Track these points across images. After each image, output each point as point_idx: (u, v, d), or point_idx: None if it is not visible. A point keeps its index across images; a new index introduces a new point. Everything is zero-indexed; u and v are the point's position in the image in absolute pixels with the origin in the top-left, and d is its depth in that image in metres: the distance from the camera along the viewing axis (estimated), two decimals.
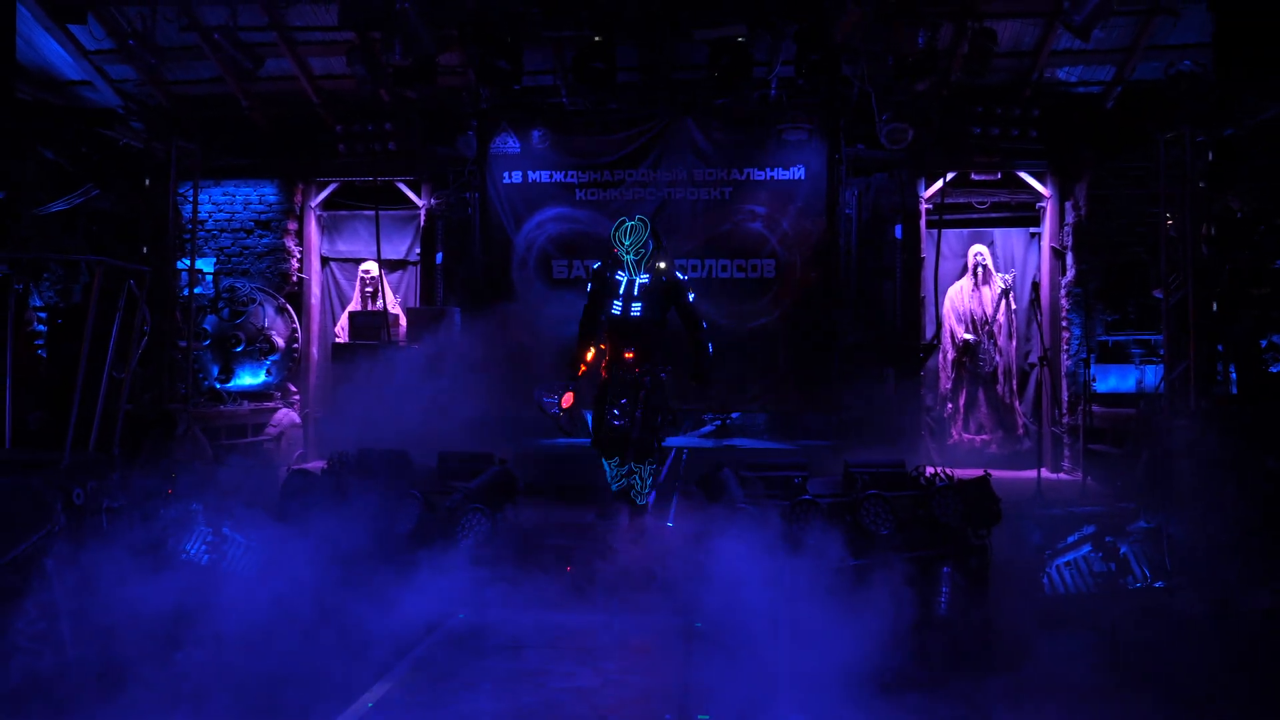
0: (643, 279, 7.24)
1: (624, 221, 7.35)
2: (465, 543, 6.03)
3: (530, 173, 11.04)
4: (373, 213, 11.20)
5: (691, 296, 7.35)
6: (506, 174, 11.07)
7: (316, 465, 9.30)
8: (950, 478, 6.73)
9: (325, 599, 5.48)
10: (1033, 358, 10.23)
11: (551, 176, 11.02)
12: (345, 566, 5.75)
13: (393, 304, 11.58)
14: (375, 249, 11.26)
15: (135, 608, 5.40)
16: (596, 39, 9.70)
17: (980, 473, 6.67)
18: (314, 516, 6.42)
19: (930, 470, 7.04)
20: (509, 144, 11.03)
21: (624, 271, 7.27)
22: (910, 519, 6.46)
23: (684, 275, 7.49)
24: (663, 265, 7.28)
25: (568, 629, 5.00)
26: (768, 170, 10.74)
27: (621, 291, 7.23)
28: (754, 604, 5.20)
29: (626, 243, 7.25)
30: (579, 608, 5.49)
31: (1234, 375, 7.78)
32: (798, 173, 10.72)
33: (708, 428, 10.16)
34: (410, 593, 5.35)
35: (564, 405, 7.25)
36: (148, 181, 9.15)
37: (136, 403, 8.52)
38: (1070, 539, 6.86)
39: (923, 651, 5.16)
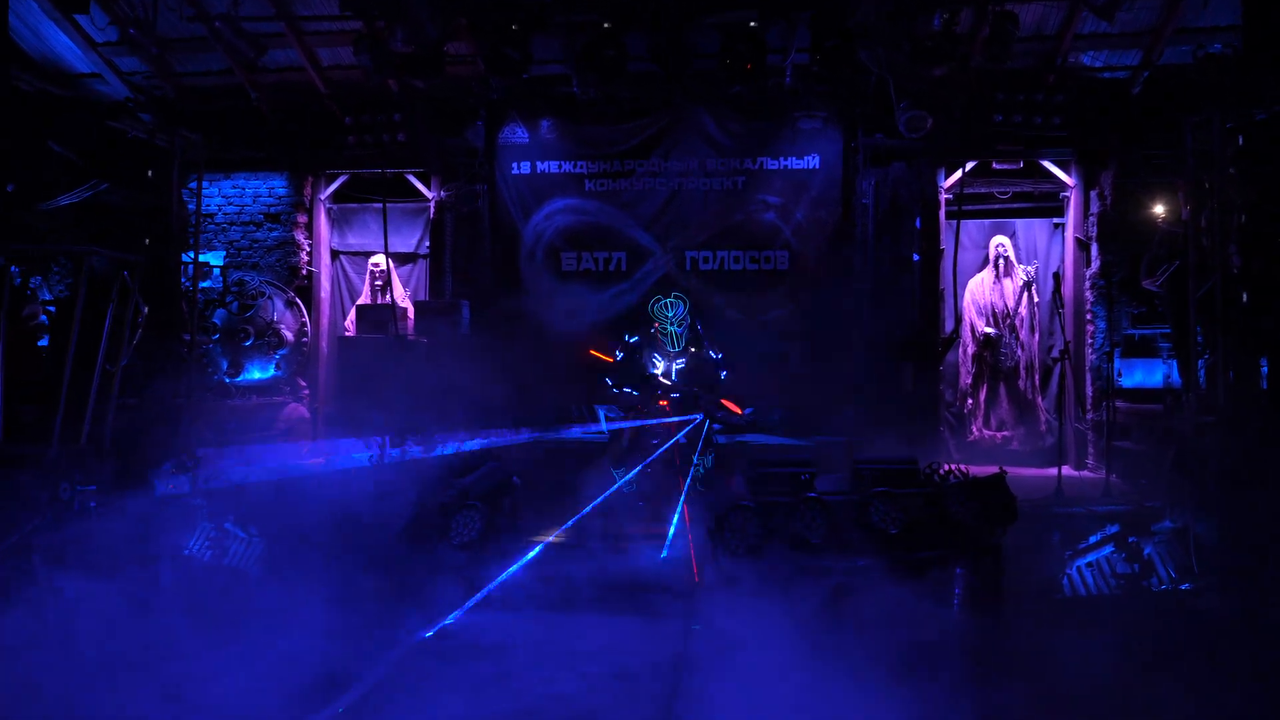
0: None
1: None
2: (458, 540, 5.88)
3: (539, 163, 10.86)
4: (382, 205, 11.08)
5: None
6: (515, 164, 10.89)
7: None
8: (964, 475, 6.53)
9: (311, 601, 5.35)
10: (1055, 351, 9.94)
11: (560, 167, 10.83)
12: (333, 565, 5.61)
13: (401, 297, 11.45)
14: (384, 242, 11.14)
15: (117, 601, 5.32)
16: (606, 26, 9.49)
17: (996, 469, 6.44)
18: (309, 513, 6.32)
19: (944, 467, 6.83)
20: (518, 134, 10.86)
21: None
22: (921, 517, 6.26)
23: None
24: None
25: (555, 630, 4.82)
26: (781, 160, 10.50)
27: None
28: (753, 606, 5.02)
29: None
30: (568, 609, 5.31)
31: (1264, 369, 7.48)
32: (812, 162, 10.48)
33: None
34: (395, 594, 5.20)
35: None
36: (150, 173, 9.04)
37: (139, 397, 8.43)
38: (1092, 539, 6.64)
39: (928, 654, 4.95)
